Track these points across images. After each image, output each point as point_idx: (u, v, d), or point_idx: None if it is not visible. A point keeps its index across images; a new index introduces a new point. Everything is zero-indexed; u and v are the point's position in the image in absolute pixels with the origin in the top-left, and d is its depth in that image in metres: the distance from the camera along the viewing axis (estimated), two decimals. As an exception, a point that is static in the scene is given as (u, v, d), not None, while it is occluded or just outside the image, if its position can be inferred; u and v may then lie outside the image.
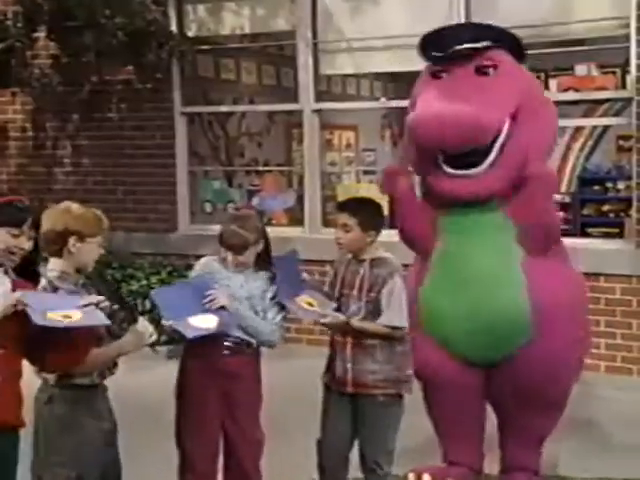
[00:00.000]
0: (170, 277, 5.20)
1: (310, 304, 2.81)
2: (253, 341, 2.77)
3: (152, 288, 5.21)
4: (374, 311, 2.81)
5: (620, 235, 4.67)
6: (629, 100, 4.47)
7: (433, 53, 2.72)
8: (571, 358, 2.81)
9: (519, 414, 2.78)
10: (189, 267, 5.51)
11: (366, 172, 8.15)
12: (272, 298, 2.78)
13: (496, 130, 2.60)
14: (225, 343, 2.73)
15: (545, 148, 2.77)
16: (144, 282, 5.18)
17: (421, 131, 2.58)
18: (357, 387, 2.81)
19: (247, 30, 5.59)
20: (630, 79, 4.49)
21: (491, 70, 2.66)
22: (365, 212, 2.86)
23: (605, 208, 6.84)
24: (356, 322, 2.80)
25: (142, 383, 4.32)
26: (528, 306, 2.65)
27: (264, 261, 2.79)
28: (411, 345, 2.82)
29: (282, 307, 2.78)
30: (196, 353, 2.75)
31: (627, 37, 4.37)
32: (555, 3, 4.68)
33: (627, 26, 4.38)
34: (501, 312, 2.67)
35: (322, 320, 2.81)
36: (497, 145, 2.62)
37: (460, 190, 2.62)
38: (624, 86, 4.67)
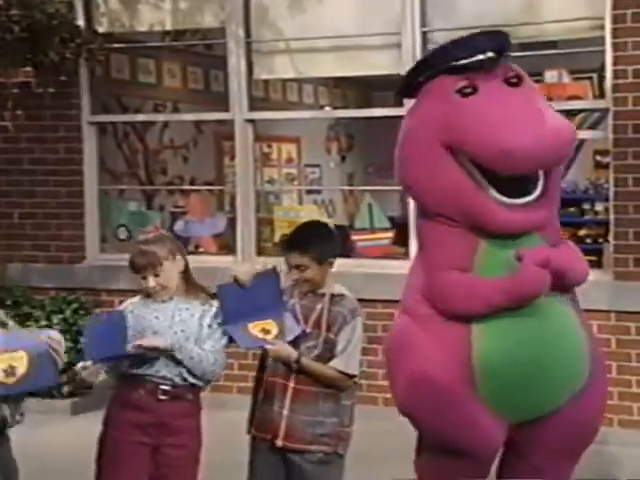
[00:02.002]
0: (76, 316, 5.10)
1: (266, 331, 2.81)
2: (195, 382, 2.76)
3: (54, 329, 5.10)
4: (327, 353, 2.82)
5: (598, 264, 4.77)
6: (605, 111, 4.59)
7: (461, 61, 2.67)
8: (606, 407, 2.98)
9: (549, 465, 2.84)
10: (99, 304, 5.43)
11: (310, 191, 8.20)
12: (210, 325, 2.78)
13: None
14: (161, 387, 2.71)
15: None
16: (44, 323, 5.05)
17: (530, 155, 2.53)
18: (290, 440, 2.78)
19: (169, 26, 5.56)
20: (606, 87, 4.62)
21: (517, 81, 2.71)
22: (317, 245, 2.87)
23: (582, 233, 6.99)
24: (307, 361, 2.80)
25: (42, 442, 4.19)
26: (588, 353, 2.76)
27: (194, 284, 2.80)
28: (441, 407, 2.74)
29: (224, 333, 2.79)
30: (124, 400, 2.71)
31: (602, 40, 4.49)
32: (522, 1, 4.79)
33: (602, 27, 4.50)
34: (573, 356, 2.74)
35: (268, 347, 2.80)
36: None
37: (517, 221, 2.64)
38: (602, 94, 4.80)
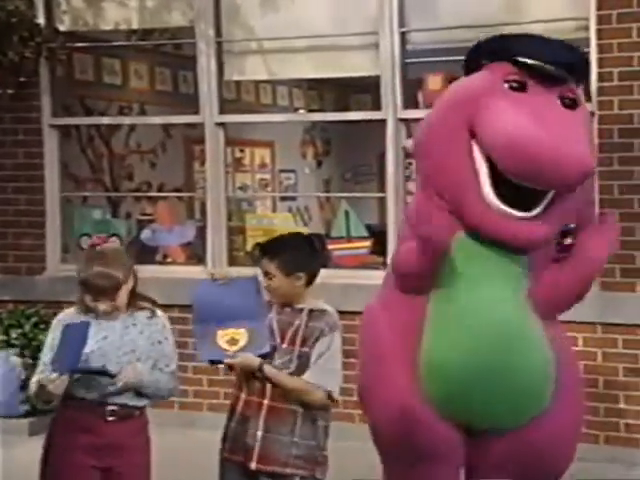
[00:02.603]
0: (35, 330, 5.05)
1: (234, 341, 2.80)
2: (144, 403, 2.76)
3: (12, 345, 5.06)
4: (302, 368, 2.82)
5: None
6: (591, 114, 4.62)
7: (534, 61, 2.67)
8: (580, 432, 2.99)
9: None
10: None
11: (284, 198, 8.20)
12: (160, 341, 2.79)
13: None
14: (109, 408, 2.70)
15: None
16: (1, 337, 5.01)
17: (575, 169, 2.54)
18: (264, 462, 2.77)
19: (135, 25, 5.54)
20: (591, 91, 4.66)
21: (575, 105, 2.74)
22: (286, 253, 2.88)
23: (568, 241, 7.04)
24: (271, 369, 2.80)
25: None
26: (554, 368, 2.75)
27: (138, 296, 2.81)
28: (388, 409, 2.79)
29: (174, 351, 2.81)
30: (70, 423, 2.69)
31: (587, 41, 4.52)
32: (504, 1, 4.82)
33: (586, 29, 4.54)
34: (532, 374, 2.73)
35: (227, 361, 2.80)
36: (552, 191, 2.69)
37: (524, 234, 2.64)
38: (587, 98, 4.83)
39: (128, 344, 2.74)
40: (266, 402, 2.81)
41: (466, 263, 2.73)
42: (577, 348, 4.42)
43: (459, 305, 2.72)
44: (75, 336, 2.63)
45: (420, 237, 2.65)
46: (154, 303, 2.88)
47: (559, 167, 2.51)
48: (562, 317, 4.33)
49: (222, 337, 2.83)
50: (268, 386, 2.81)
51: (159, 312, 2.86)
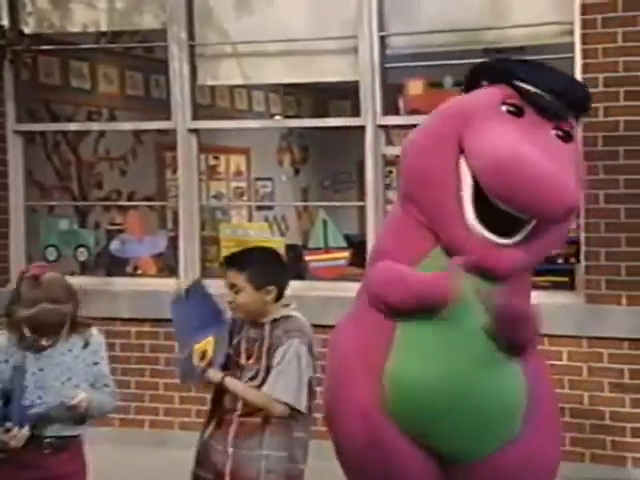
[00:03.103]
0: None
1: (204, 353, 2.83)
2: (79, 431, 2.78)
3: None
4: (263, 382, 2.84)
5: (570, 286, 4.84)
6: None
7: (551, 99, 2.69)
8: (558, 456, 2.95)
9: None
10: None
11: (260, 207, 8.21)
12: (96, 362, 2.80)
13: None
14: (46, 440, 2.71)
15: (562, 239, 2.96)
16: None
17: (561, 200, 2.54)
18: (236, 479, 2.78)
19: (105, 27, 5.51)
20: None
21: (569, 139, 2.76)
22: (256, 265, 2.89)
23: (552, 252, 7.09)
24: (231, 382, 2.82)
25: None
26: (525, 393, 2.75)
27: (77, 322, 2.80)
28: (351, 424, 2.78)
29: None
30: (11, 460, 2.67)
31: (571, 46, 4.57)
32: (487, 4, 4.85)
33: (570, 33, 4.58)
34: (500, 399, 2.72)
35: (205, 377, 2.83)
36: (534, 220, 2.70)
37: (505, 262, 2.64)
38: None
39: (65, 373, 2.74)
40: (236, 417, 2.84)
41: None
42: (561, 363, 4.46)
43: (429, 326, 2.70)
44: (15, 385, 2.65)
45: (420, 299, 2.63)
46: (89, 325, 2.87)
47: (543, 195, 2.50)
48: (546, 330, 4.43)
49: (197, 353, 2.85)
50: (239, 401, 2.83)
51: (94, 331, 2.86)
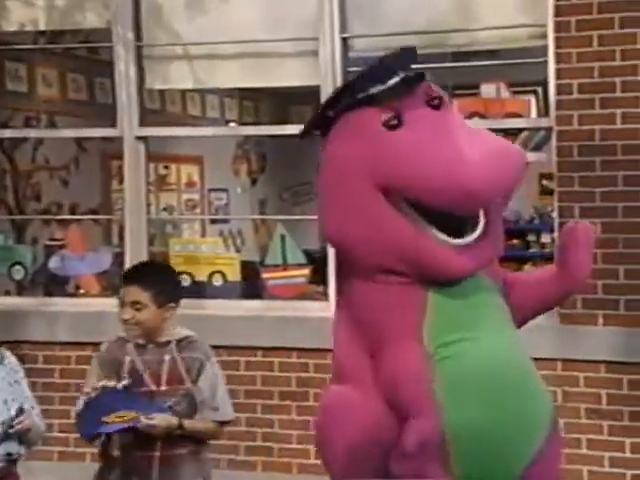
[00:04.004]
0: None
1: (122, 418, 2.87)
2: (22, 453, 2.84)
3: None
4: (191, 407, 2.96)
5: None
6: (549, 130, 4.73)
7: (377, 88, 2.63)
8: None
9: None
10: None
11: (214, 221, 8.20)
12: (17, 381, 2.86)
13: None
14: None
15: None
16: None
17: (488, 189, 2.52)
18: None
19: (43, 26, 5.50)
20: (549, 104, 4.76)
21: (439, 102, 2.70)
22: (161, 283, 3.04)
23: (527, 268, 7.18)
24: (190, 423, 2.92)
25: None
26: (553, 410, 2.74)
27: None
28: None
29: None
30: None
31: (544, 50, 4.63)
32: (455, 5, 4.91)
33: (543, 36, 4.65)
34: (540, 414, 2.69)
35: (146, 422, 2.85)
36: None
37: (465, 263, 2.61)
38: (546, 112, 4.96)
39: None
40: (157, 454, 2.92)
41: (448, 321, 2.70)
42: (535, 387, 4.51)
43: (462, 364, 2.64)
44: None
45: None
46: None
47: (494, 182, 2.53)
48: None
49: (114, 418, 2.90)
50: (158, 440, 2.91)
51: (6, 351, 2.92)
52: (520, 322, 2.83)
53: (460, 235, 2.65)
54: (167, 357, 2.97)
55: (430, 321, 2.65)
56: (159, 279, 3.04)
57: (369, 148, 2.67)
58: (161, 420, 2.87)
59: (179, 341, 3.01)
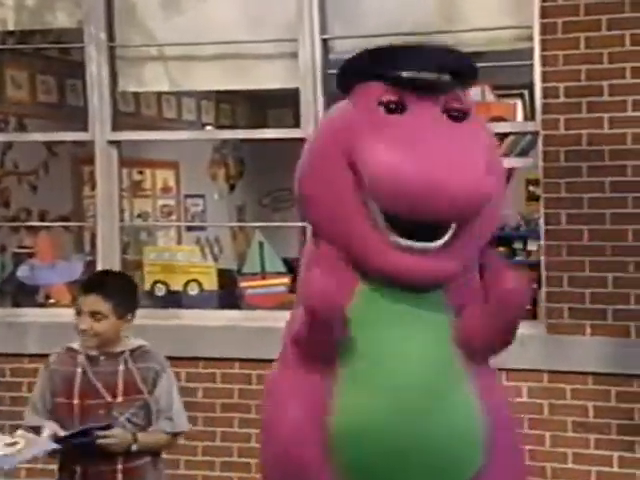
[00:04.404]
0: None
1: (13, 443, 2.89)
2: None
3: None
4: (147, 417, 3.03)
5: (533, 314, 4.90)
6: (535, 134, 4.76)
7: (404, 73, 2.65)
8: None
9: None
10: None
11: (191, 228, 8.20)
12: None
13: None
14: None
15: (495, 226, 2.90)
16: None
17: (435, 196, 2.49)
18: None
19: (12, 26, 5.49)
20: (535, 107, 4.80)
21: (463, 116, 2.71)
22: (122, 293, 3.09)
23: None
24: (144, 437, 2.99)
25: None
26: (483, 427, 2.73)
27: None
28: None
29: None
30: None
31: (530, 52, 4.65)
32: (438, 6, 4.94)
33: (529, 38, 4.66)
34: (457, 438, 2.70)
35: (101, 441, 2.89)
36: None
37: (417, 270, 2.62)
38: (532, 116, 4.99)
39: None
40: (120, 466, 2.97)
41: (374, 315, 2.70)
42: (521, 399, 4.51)
43: (371, 363, 2.70)
44: None
45: (306, 310, 2.58)
46: None
47: (433, 198, 2.48)
48: (503, 364, 4.50)
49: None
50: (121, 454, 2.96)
51: None
52: (478, 354, 2.79)
53: (421, 239, 2.63)
54: (121, 368, 3.02)
55: (357, 308, 2.67)
56: (120, 289, 3.09)
57: (358, 119, 2.70)
58: (116, 438, 2.92)
59: (132, 351, 3.06)
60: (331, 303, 2.55)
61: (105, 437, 2.90)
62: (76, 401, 3.02)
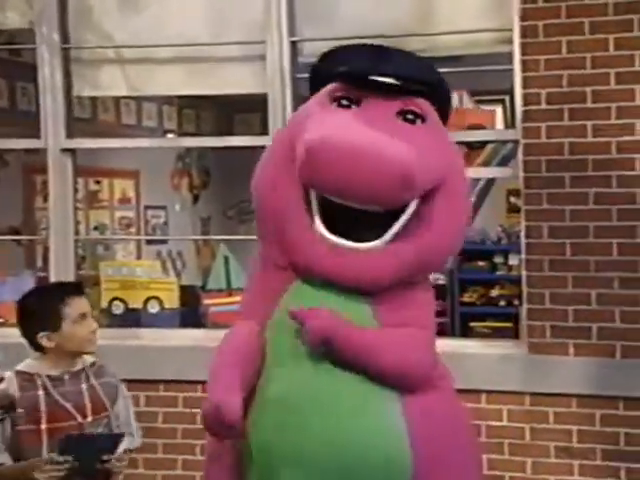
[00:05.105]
0: None
1: None
2: None
3: None
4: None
5: (514, 333, 4.93)
6: (516, 143, 4.80)
7: (360, 74, 2.79)
8: None
9: None
10: None
11: (151, 242, 8.19)
12: None
13: (418, 193, 2.73)
14: None
15: (455, 244, 2.96)
16: None
17: (334, 157, 2.60)
18: None
19: (-42, 26, 5.49)
20: (515, 115, 4.83)
21: (418, 120, 2.84)
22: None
23: (494, 293, 7.27)
24: (121, 456, 3.02)
25: None
26: (410, 458, 2.71)
27: None
28: None
29: None
30: None
31: (509, 56, 4.68)
32: (413, 7, 4.96)
33: (509, 41, 4.70)
34: (375, 464, 2.68)
35: (116, 466, 2.95)
36: (403, 218, 2.74)
37: (345, 270, 2.68)
38: (513, 123, 5.02)
39: None
40: None
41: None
42: (500, 423, 4.53)
43: (278, 380, 2.72)
44: None
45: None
46: None
47: (355, 167, 2.59)
48: (482, 385, 4.52)
49: None
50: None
51: None
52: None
53: (358, 238, 2.71)
54: (84, 386, 3.05)
55: (286, 298, 2.74)
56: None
57: (309, 111, 2.83)
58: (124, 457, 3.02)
59: (90, 367, 3.11)
60: (226, 421, 2.56)
61: (119, 460, 2.94)
62: (44, 426, 3.00)
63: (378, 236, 2.73)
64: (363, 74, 2.81)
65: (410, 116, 2.83)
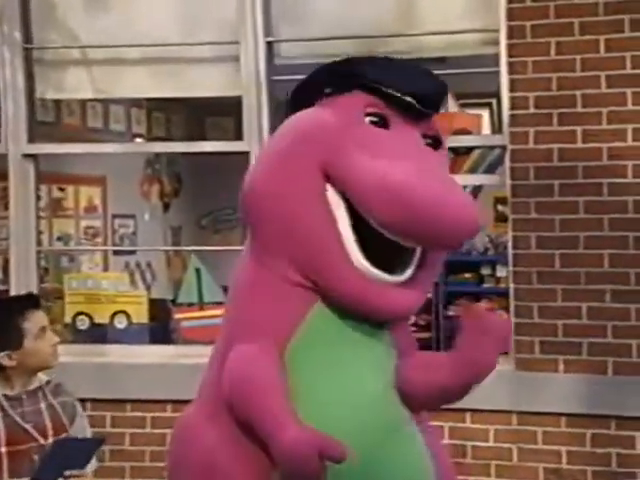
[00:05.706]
0: None
1: None
2: None
3: None
4: None
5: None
6: (503, 149, 4.82)
7: (415, 102, 2.73)
8: None
9: None
10: None
11: (119, 252, 8.16)
12: None
13: None
14: None
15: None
16: None
17: (468, 223, 2.61)
18: None
19: None
20: (502, 119, 4.85)
21: (434, 143, 2.83)
22: None
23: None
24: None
25: None
26: (432, 472, 2.78)
27: None
28: None
29: None
30: None
31: (496, 58, 4.72)
32: (394, 7, 4.98)
33: (495, 43, 4.74)
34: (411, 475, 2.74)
35: None
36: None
37: (398, 303, 2.72)
38: (500, 128, 5.05)
39: None
40: None
41: (326, 345, 2.74)
42: (487, 444, 4.55)
43: (318, 397, 2.74)
44: None
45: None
46: None
47: (448, 221, 2.61)
48: (467, 404, 4.54)
49: None
50: None
51: None
52: (417, 406, 2.82)
53: (388, 269, 2.71)
54: (43, 405, 3.06)
55: (307, 327, 2.71)
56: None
57: (341, 125, 2.73)
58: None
59: (46, 385, 3.12)
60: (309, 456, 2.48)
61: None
62: (3, 449, 2.99)
63: (401, 262, 2.73)
64: (428, 96, 2.76)
65: (431, 141, 2.81)
